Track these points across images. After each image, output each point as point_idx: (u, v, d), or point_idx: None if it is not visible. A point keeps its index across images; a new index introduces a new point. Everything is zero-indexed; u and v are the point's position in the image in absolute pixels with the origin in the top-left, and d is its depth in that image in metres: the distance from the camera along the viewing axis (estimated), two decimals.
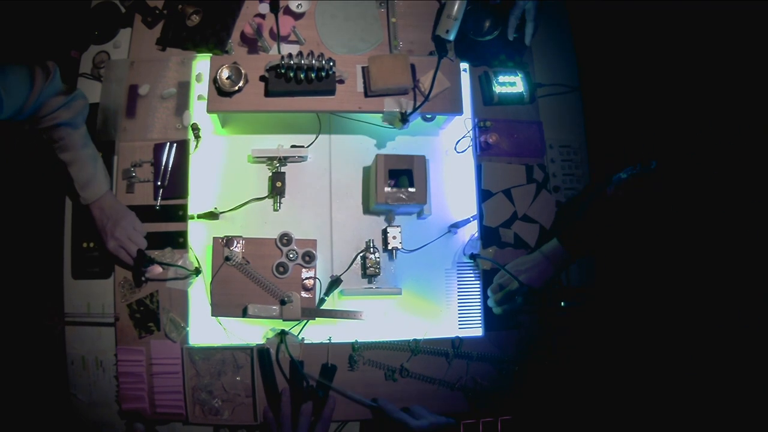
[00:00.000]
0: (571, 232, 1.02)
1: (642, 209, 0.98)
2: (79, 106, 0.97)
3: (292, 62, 1.00)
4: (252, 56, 1.17)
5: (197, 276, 1.06)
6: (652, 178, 0.97)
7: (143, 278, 1.04)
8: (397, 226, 1.10)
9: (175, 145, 1.10)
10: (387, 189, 1.04)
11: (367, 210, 1.13)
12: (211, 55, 1.11)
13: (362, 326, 1.07)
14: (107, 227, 1.02)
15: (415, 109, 1.04)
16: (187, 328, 1.05)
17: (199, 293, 1.06)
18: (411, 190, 1.04)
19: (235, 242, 1.03)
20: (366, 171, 1.14)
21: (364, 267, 1.08)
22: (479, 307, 1.11)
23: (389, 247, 1.09)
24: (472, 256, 1.12)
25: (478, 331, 1.10)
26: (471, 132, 1.17)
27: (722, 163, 0.95)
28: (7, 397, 0.98)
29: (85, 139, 1.00)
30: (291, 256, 1.04)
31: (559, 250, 1.02)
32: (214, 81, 1.03)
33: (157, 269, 1.05)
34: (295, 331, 1.05)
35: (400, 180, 1.06)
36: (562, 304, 1.10)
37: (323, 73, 1.02)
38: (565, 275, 1.13)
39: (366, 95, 1.06)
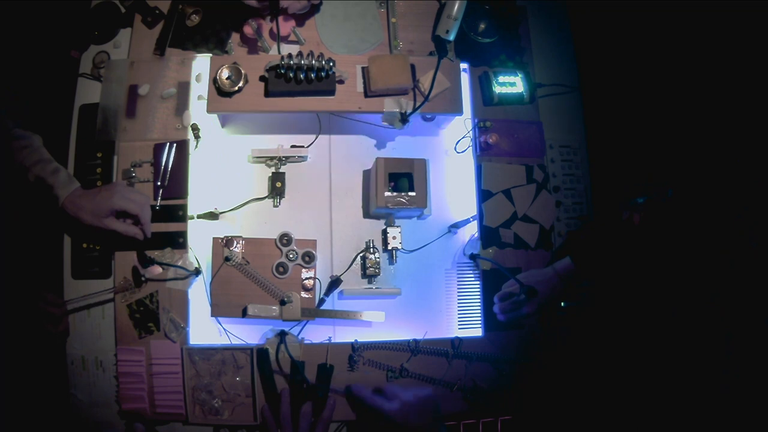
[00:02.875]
0: (584, 252, 1.04)
1: (656, 235, 0.99)
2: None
3: (292, 62, 1.00)
4: (252, 56, 1.17)
5: (197, 276, 1.06)
6: (668, 205, 1.00)
7: (143, 278, 1.04)
8: (397, 227, 1.10)
9: (175, 145, 1.10)
10: (387, 193, 1.04)
11: (367, 214, 1.12)
12: (210, 55, 1.11)
13: (362, 326, 1.07)
14: (95, 202, 0.97)
15: (415, 110, 1.04)
16: (187, 328, 1.05)
17: (199, 293, 1.06)
18: (411, 194, 1.04)
19: (235, 242, 1.03)
20: (366, 175, 1.14)
21: (364, 267, 1.08)
22: (479, 308, 1.11)
23: (389, 248, 1.09)
24: (472, 257, 1.12)
25: (477, 332, 1.10)
26: (471, 132, 1.17)
27: (729, 167, 0.95)
28: (7, 397, 0.98)
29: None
30: (291, 256, 1.04)
31: (570, 268, 1.04)
32: (214, 81, 1.03)
33: (157, 269, 1.04)
34: (294, 331, 1.05)
35: (400, 182, 1.06)
36: (562, 304, 1.10)
37: (323, 73, 1.02)
38: None
39: (366, 95, 1.06)
